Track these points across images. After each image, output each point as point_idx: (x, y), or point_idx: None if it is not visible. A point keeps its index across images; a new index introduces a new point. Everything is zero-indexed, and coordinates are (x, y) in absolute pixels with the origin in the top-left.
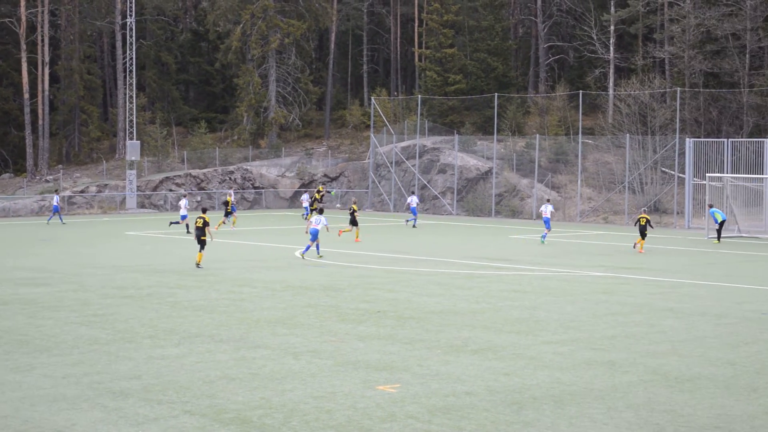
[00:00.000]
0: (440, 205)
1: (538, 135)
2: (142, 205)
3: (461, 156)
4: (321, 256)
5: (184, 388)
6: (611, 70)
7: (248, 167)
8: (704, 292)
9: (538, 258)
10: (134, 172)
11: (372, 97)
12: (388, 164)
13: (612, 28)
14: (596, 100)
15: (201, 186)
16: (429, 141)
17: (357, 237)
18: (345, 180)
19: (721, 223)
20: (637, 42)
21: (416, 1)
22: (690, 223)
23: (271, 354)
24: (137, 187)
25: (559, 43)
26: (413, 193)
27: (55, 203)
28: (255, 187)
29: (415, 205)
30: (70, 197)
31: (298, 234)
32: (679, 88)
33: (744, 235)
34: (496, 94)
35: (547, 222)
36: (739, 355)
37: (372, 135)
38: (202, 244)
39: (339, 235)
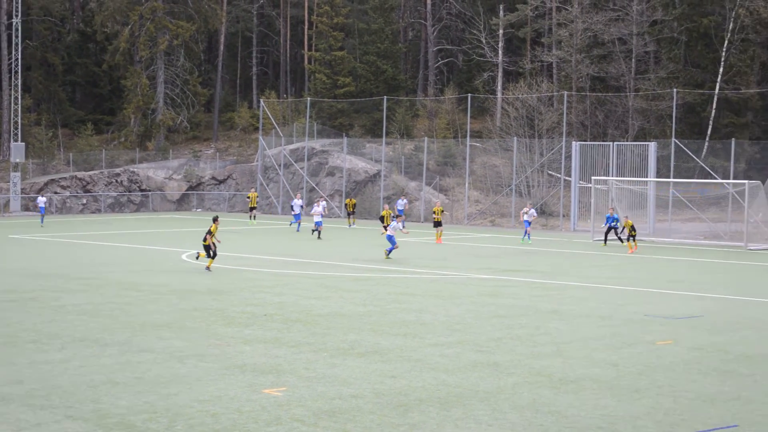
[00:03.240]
0: (329, 208)
1: (426, 138)
2: (26, 208)
3: (350, 159)
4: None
5: (68, 393)
6: (500, 74)
7: (135, 169)
8: (589, 294)
9: (426, 261)
10: (18, 174)
11: (261, 100)
12: (277, 167)
13: (501, 31)
14: (484, 103)
15: (87, 188)
16: (318, 143)
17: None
18: (233, 182)
19: (609, 228)
20: (526, 46)
21: (306, 4)
22: (576, 226)
23: (156, 358)
24: (21, 189)
25: (448, 47)
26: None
27: None
28: (142, 190)
29: (402, 208)
30: None
31: (185, 237)
32: (566, 92)
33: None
34: (385, 97)
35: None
36: (622, 356)
37: (261, 137)
38: (207, 250)
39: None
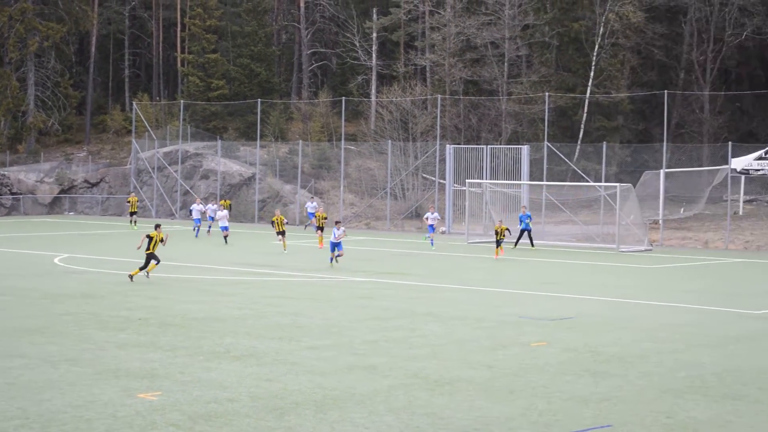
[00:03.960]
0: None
1: (301, 141)
2: None
3: (224, 162)
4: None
5: None
6: (374, 77)
7: (5, 172)
8: (464, 297)
9: (301, 264)
10: None
11: (134, 102)
12: (150, 170)
13: (374, 35)
14: (359, 106)
15: None
16: (192, 146)
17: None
18: (106, 186)
19: (521, 231)
20: (399, 49)
21: (179, 6)
22: (451, 229)
23: (28, 363)
24: None
25: (322, 50)
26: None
27: None
28: (13, 193)
29: (312, 211)
30: None
31: (58, 241)
32: (439, 95)
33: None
34: (259, 99)
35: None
36: (497, 357)
37: (134, 140)
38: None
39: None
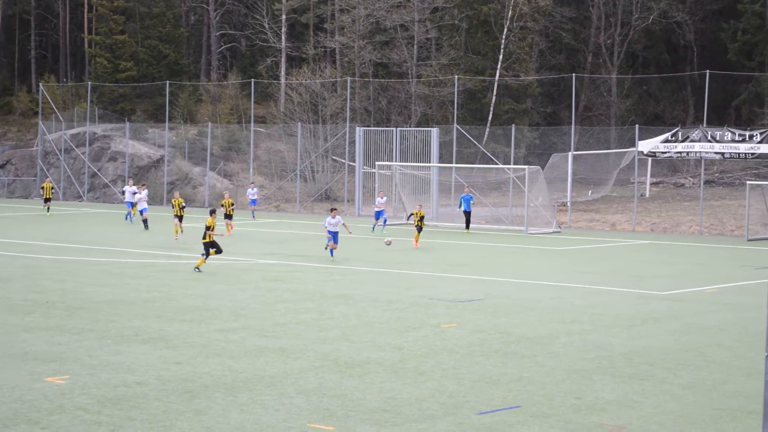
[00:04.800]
0: (111, 194)
1: (210, 123)
2: None
3: (132, 144)
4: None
5: None
6: (283, 59)
7: None
8: (374, 279)
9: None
10: None
11: (41, 84)
12: (57, 152)
13: (284, 17)
14: (268, 88)
15: None
16: (99, 128)
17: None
18: (12, 168)
19: (466, 213)
20: (309, 31)
21: None
22: (360, 211)
23: None
24: None
25: (231, 32)
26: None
27: None
28: None
29: (254, 198)
30: None
31: None
32: (349, 78)
33: (411, 223)
34: (167, 81)
35: (379, 214)
36: (407, 339)
37: (40, 122)
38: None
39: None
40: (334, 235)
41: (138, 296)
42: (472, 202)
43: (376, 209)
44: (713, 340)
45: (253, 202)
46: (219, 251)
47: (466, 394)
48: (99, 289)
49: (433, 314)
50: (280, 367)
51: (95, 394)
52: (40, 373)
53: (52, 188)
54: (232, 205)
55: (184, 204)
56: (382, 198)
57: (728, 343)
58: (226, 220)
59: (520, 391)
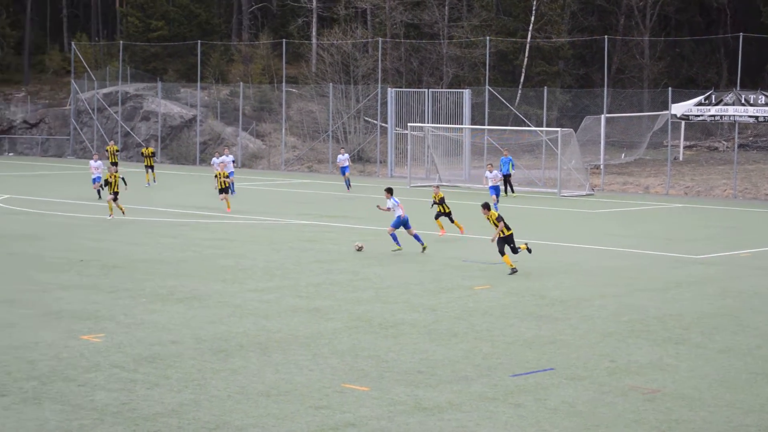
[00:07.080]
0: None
1: (242, 83)
2: None
3: (165, 103)
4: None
5: None
6: (314, 20)
7: None
8: (408, 240)
9: (244, 207)
10: None
11: (72, 43)
12: (90, 111)
13: None
14: (300, 49)
15: None
16: (132, 88)
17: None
18: (45, 127)
19: (506, 175)
20: None
21: None
22: (393, 172)
23: None
24: None
25: None
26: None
27: None
28: None
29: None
30: None
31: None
32: (380, 39)
33: (445, 183)
34: (199, 41)
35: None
36: (441, 301)
37: (73, 81)
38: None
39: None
40: (405, 221)
41: (172, 255)
42: (511, 165)
43: (491, 185)
44: (748, 304)
45: (231, 173)
46: None
47: (499, 356)
48: (134, 247)
49: (466, 276)
50: (315, 327)
51: (131, 353)
52: (76, 331)
53: (117, 151)
54: (153, 153)
55: (153, 153)
56: (491, 171)
57: (763, 308)
58: (149, 170)
59: (554, 354)
